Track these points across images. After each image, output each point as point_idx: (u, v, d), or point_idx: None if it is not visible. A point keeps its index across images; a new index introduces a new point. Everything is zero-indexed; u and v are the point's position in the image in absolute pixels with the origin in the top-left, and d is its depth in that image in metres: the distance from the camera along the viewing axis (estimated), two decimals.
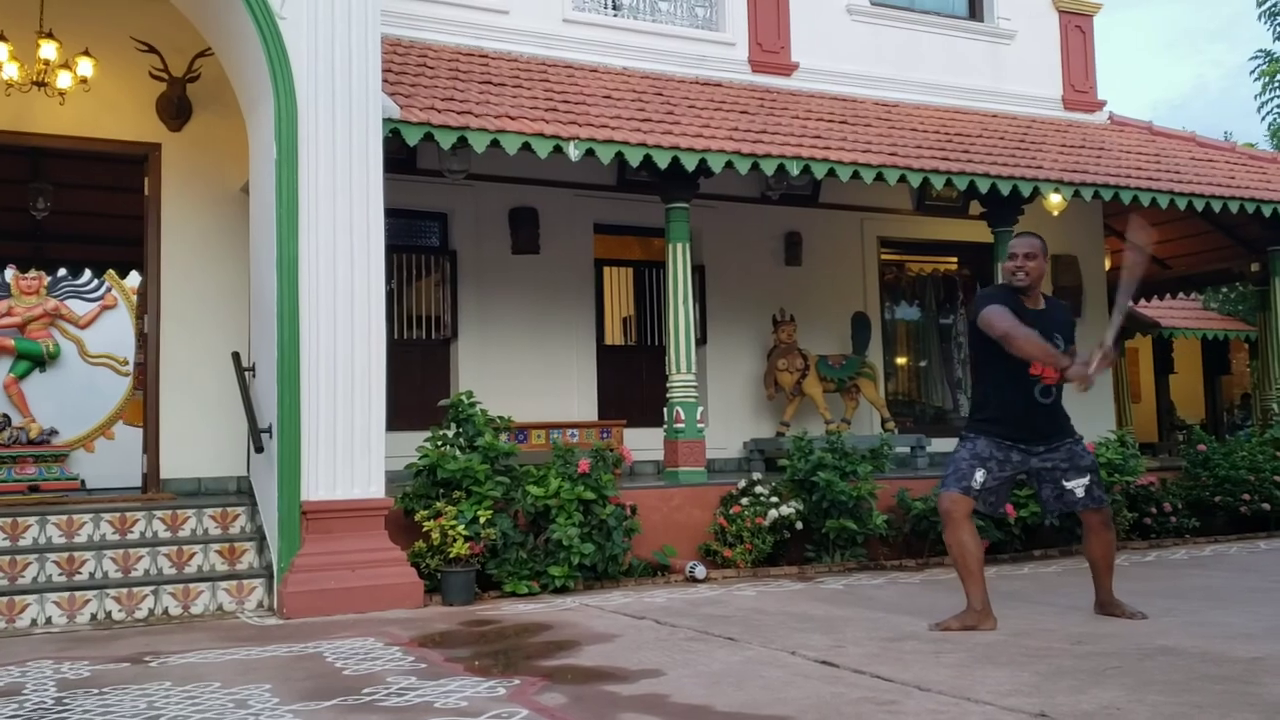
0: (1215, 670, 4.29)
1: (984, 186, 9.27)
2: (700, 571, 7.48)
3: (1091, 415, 11.60)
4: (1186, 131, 12.77)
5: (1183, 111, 56.44)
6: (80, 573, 6.66)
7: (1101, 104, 12.55)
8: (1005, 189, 9.34)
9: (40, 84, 8.18)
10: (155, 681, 4.61)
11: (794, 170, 8.60)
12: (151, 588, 6.58)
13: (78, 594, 6.42)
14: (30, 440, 13.57)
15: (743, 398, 10.94)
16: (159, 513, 7.19)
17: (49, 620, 6.30)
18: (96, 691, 4.44)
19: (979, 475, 5.50)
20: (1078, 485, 5.61)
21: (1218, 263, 13.80)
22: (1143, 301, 15.84)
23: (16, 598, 6.30)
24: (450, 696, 4.17)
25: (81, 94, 8.33)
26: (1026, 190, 9.47)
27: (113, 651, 5.40)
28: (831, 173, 8.71)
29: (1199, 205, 10.22)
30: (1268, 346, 11.87)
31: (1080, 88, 12.42)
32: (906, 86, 11.37)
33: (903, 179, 8.99)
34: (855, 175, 8.78)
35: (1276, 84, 20.51)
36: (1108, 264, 13.39)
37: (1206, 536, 9.50)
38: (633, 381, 10.51)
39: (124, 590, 6.52)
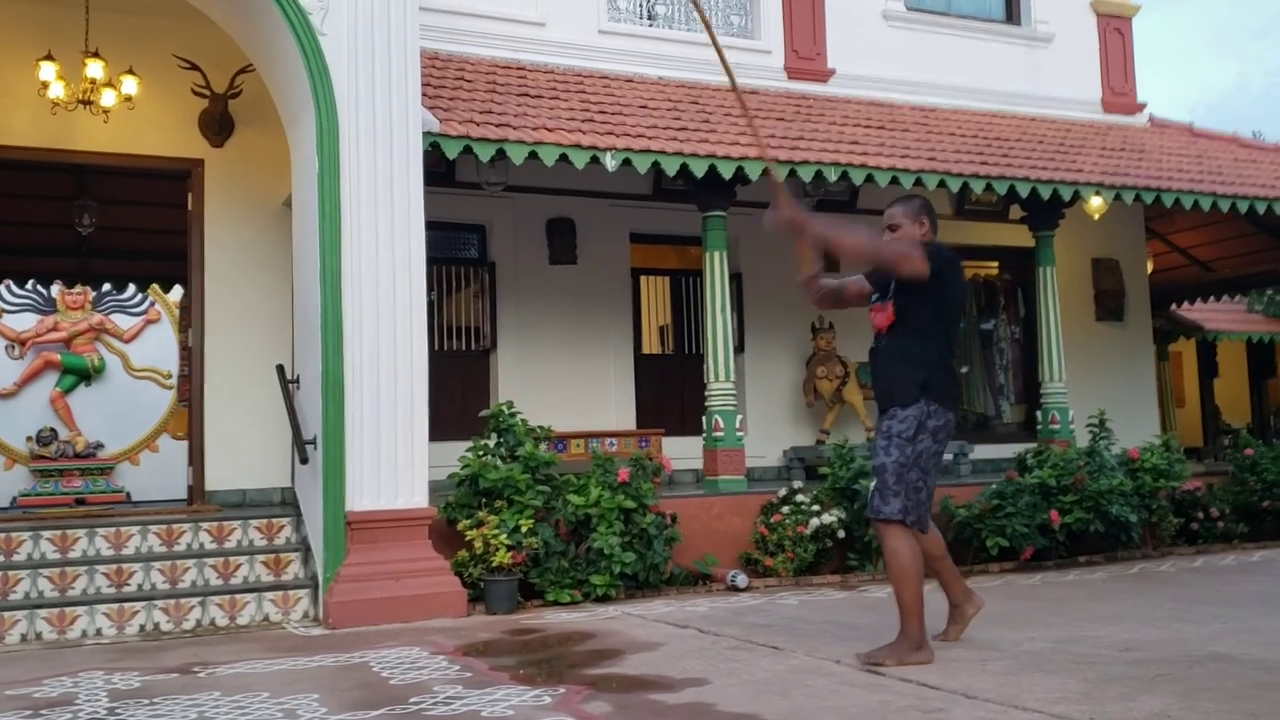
0: (1269, 678, 4.23)
1: (1024, 191, 9.21)
2: (742, 580, 7.46)
3: (1135, 420, 11.50)
4: (1228, 132, 12.60)
5: (1222, 111, 55.79)
6: (129, 584, 6.75)
7: (1141, 106, 12.43)
8: (1045, 193, 9.27)
9: (85, 102, 8.32)
10: (205, 692, 4.67)
11: (831, 176, 8.59)
12: (198, 599, 6.65)
13: (126, 605, 6.50)
14: (77, 454, 13.70)
15: (782, 406, 10.90)
16: (205, 524, 7.27)
17: (99, 631, 6.39)
18: (148, 701, 4.50)
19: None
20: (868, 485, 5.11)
21: (1262, 265, 13.61)
22: (1185, 305, 15.66)
23: (67, 609, 6.40)
24: (497, 705, 4.18)
25: (126, 111, 8.47)
26: (1067, 194, 9.40)
27: (162, 662, 5.47)
28: (870, 179, 8.68)
29: (1242, 207, 10.10)
30: None
31: (1120, 90, 12.30)
32: (943, 91, 11.32)
33: (941, 184, 8.95)
34: (894, 180, 8.75)
35: None
36: (1150, 267, 13.25)
37: (1255, 542, 9.37)
38: (671, 390, 10.51)
39: (171, 601, 6.59)
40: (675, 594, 7.33)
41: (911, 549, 4.76)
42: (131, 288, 14.15)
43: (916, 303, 4.86)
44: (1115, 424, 9.37)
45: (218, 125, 8.84)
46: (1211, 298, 15.37)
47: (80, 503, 12.53)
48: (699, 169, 8.09)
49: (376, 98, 7.00)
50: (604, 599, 6.97)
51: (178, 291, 12.37)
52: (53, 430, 13.87)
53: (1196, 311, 16.40)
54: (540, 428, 7.69)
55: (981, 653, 4.91)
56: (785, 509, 7.96)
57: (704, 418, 8.70)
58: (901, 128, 10.12)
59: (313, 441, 6.97)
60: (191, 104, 8.82)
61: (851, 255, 5.21)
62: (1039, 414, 10.03)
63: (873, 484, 4.87)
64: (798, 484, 8.33)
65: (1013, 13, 12.06)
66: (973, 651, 4.94)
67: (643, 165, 7.94)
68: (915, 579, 4.73)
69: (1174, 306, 15.53)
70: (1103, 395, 11.07)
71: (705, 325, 8.78)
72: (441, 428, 7.91)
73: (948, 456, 10.23)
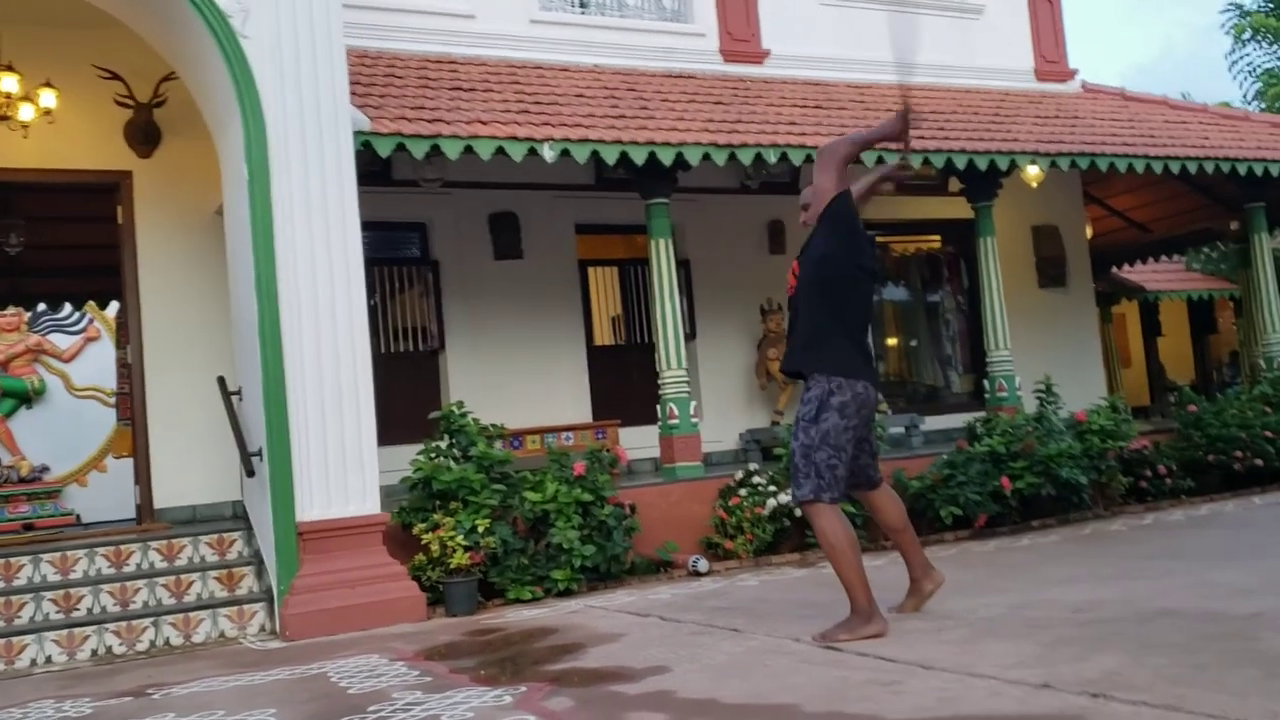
0: (1215, 629, 4.30)
1: (961, 162, 9.28)
2: (703, 565, 7.46)
3: (1082, 383, 11.65)
4: (1158, 95, 12.78)
5: (1152, 74, 56.60)
6: (78, 609, 6.62)
7: (1073, 73, 12.56)
8: (983, 164, 9.34)
9: (2, 118, 8.11)
10: (158, 714, 4.59)
11: (771, 159, 8.59)
12: (151, 619, 6.53)
13: (76, 631, 6.37)
14: (21, 478, 13.45)
15: (736, 389, 10.92)
16: (154, 543, 7.14)
17: (49, 659, 6.26)
18: None
19: None
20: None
21: (1198, 223, 13.85)
22: (1126, 266, 15.88)
23: (14, 639, 6.25)
24: (457, 708, 4.14)
25: (46, 125, 8.28)
26: (1004, 164, 9.48)
27: (115, 686, 5.37)
28: (809, 159, 8.68)
29: (1175, 168, 10.23)
30: (1252, 303, 11.90)
31: (1051, 58, 12.42)
32: (879, 68, 11.27)
33: (880, 160, 8.96)
34: None
35: (1245, 40, 20.56)
36: (1089, 232, 13.41)
37: (1202, 496, 9.53)
38: (625, 380, 10.48)
39: (123, 624, 6.47)
40: (637, 583, 7.31)
41: (836, 526, 4.76)
42: (68, 306, 13.92)
43: (812, 264, 4.88)
44: (1063, 388, 9.48)
45: (144, 135, 8.67)
46: (1151, 259, 15.60)
47: (29, 528, 12.28)
48: (639, 156, 8.05)
49: (304, 99, 6.89)
50: (566, 593, 6.94)
51: (115, 307, 12.16)
52: None
53: (1137, 273, 16.66)
54: (493, 426, 7.63)
55: (937, 622, 4.94)
56: (743, 491, 7.98)
57: (659, 406, 8.69)
58: (838, 106, 10.15)
59: (258, 453, 6.86)
60: (116, 115, 8.64)
61: (833, 144, 5.07)
62: (986, 383, 10.12)
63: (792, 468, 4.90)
64: (754, 466, 8.35)
65: None
66: (929, 622, 4.97)
67: (581, 155, 7.89)
68: (849, 554, 4.74)
69: (1115, 269, 15.76)
70: (1049, 360, 11.18)
71: (655, 313, 8.76)
72: (393, 431, 7.83)
73: (899, 429, 10.32)
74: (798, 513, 7.95)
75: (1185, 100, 13.61)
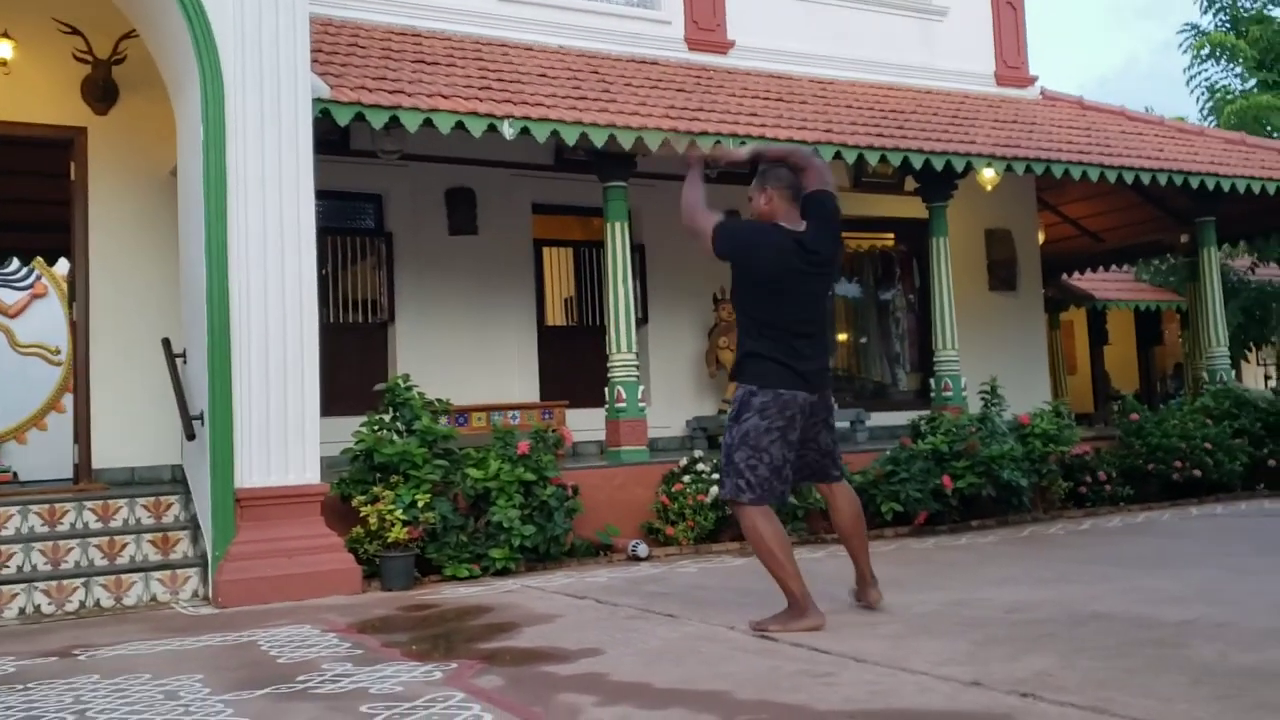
0: (1146, 634, 4.37)
1: (918, 162, 9.34)
2: (643, 550, 7.49)
3: (1028, 387, 11.80)
4: (1116, 106, 12.94)
5: (1115, 86, 57.37)
6: (7, 566, 6.51)
7: (1033, 80, 12.68)
8: (939, 164, 9.41)
9: None
10: (83, 675, 4.52)
11: (731, 147, 8.58)
12: (83, 580, 6.45)
13: (4, 588, 6.27)
14: None
15: (685, 376, 10.94)
16: (89, 503, 7.04)
17: None
18: (21, 687, 4.35)
19: None
20: None
21: (1149, 235, 14.05)
22: (1076, 274, 16.09)
23: None
24: (386, 682, 4.13)
25: (2, 76, 8.10)
26: (960, 165, 9.56)
27: (41, 646, 5.29)
28: None
29: (1129, 178, 10.38)
30: (1198, 316, 12.10)
31: (1012, 64, 12.53)
32: (842, 64, 11.41)
33: (838, 155, 9.01)
34: None
35: (1203, 57, 20.87)
36: (1041, 237, 13.57)
37: (1140, 504, 9.69)
38: (575, 362, 10.46)
39: (53, 583, 6.38)
40: (576, 565, 7.32)
41: (758, 526, 4.81)
42: (15, 261, 13.63)
43: (733, 283, 5.09)
44: (1008, 391, 9.60)
45: (101, 92, 8.50)
46: (1101, 267, 15.83)
47: None
48: (599, 138, 8.03)
49: (264, 64, 6.79)
50: (503, 573, 6.93)
51: (64, 265, 11.93)
52: None
53: (1087, 281, 16.88)
54: (439, 401, 7.59)
55: (872, 616, 5.00)
56: (686, 478, 8.00)
57: (607, 389, 8.69)
58: (800, 99, 10.18)
59: (199, 417, 6.78)
60: (73, 70, 8.46)
61: (683, 211, 5.20)
62: (933, 382, 10.22)
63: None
64: (699, 453, 8.37)
65: None
66: (864, 615, 5.03)
67: (541, 134, 7.85)
68: (775, 552, 4.78)
69: (1065, 276, 15.96)
70: (996, 363, 11.31)
71: (607, 297, 8.74)
72: (338, 402, 7.78)
73: (844, 424, 10.39)
74: None
75: (1143, 113, 13.78)
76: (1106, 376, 18.67)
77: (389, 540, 6.66)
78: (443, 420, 7.53)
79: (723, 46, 10.91)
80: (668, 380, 10.78)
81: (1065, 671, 3.80)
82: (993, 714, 3.34)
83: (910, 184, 10.62)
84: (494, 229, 10.12)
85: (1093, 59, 73.29)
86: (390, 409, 7.31)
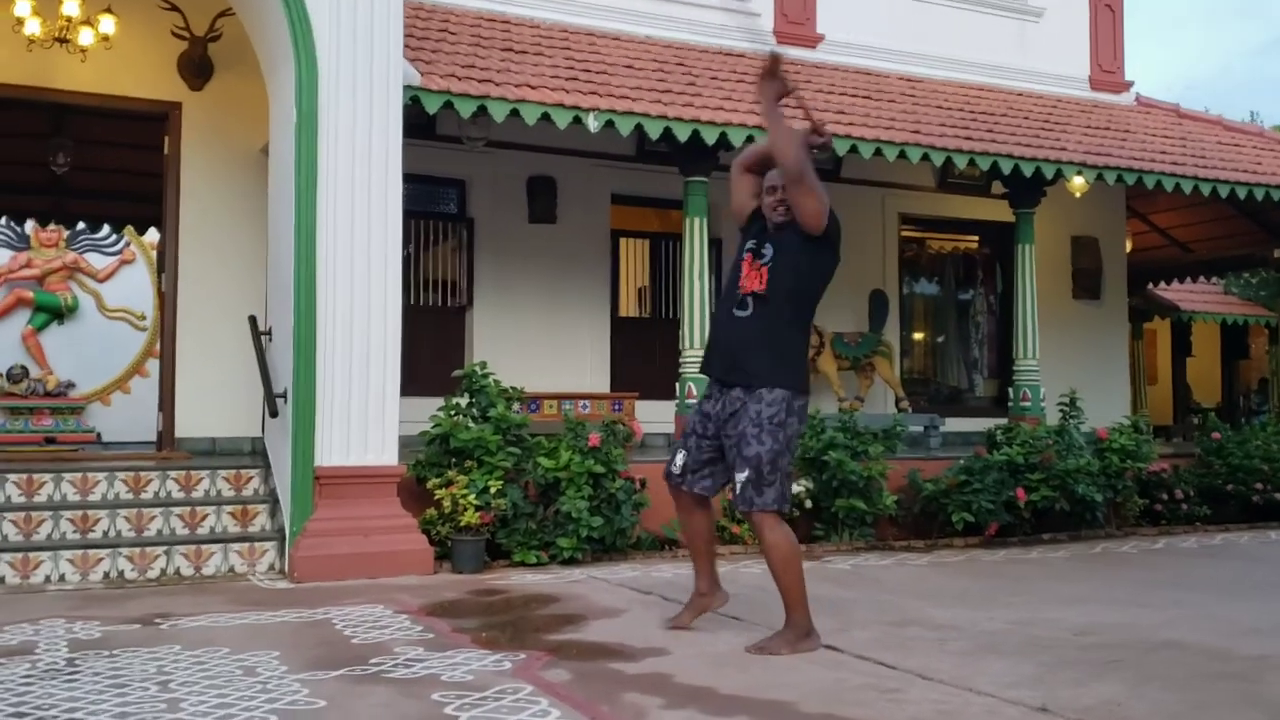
0: (1220, 667, 4.30)
1: (1006, 167, 9.20)
2: None
3: (1107, 398, 11.59)
4: (1214, 115, 12.61)
5: (1206, 90, 55.82)
6: (94, 531, 6.73)
7: (1129, 85, 12.40)
8: (1028, 170, 9.26)
9: (62, 40, 8.16)
10: (165, 645, 4.67)
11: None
12: (164, 548, 6.64)
13: (91, 552, 6.48)
14: (48, 392, 13.68)
15: None
16: (173, 473, 7.24)
17: (62, 577, 6.37)
18: (108, 653, 4.50)
19: (679, 456, 4.89)
20: (735, 477, 4.66)
21: (1240, 248, 13.69)
22: (1162, 284, 15.74)
23: (31, 554, 6.37)
24: (457, 669, 4.20)
25: (103, 51, 8.32)
26: (1049, 172, 9.39)
27: (125, 612, 5.47)
28: (854, 149, 8.64)
29: (1223, 192, 10.13)
30: None
31: (1108, 68, 12.27)
32: (932, 62, 11.26)
33: (925, 158, 8.92)
34: (878, 153, 8.72)
35: None
36: (1129, 246, 13.29)
37: (1218, 525, 9.48)
38: (647, 353, 10.50)
39: (137, 550, 6.58)
40: (641, 559, 7.36)
41: (791, 536, 4.68)
42: (106, 228, 14.03)
43: (796, 274, 4.62)
44: (1087, 402, 9.44)
45: (197, 68, 8.71)
46: (1189, 278, 15.45)
47: (50, 441, 12.49)
48: (682, 134, 8.04)
49: (358, 49, 6.89)
50: (570, 561, 6.99)
51: (154, 234, 12.24)
52: (24, 368, 13.82)
53: (1173, 292, 16.50)
54: (513, 389, 7.67)
55: (940, 632, 4.97)
56: None
57: (678, 384, 8.71)
58: (888, 98, 10.07)
59: (283, 395, 6.93)
60: (171, 46, 8.68)
61: (781, 159, 4.61)
62: (1010, 390, 10.09)
63: (742, 475, 4.56)
64: None
65: None
66: (932, 630, 5.00)
67: (625, 127, 7.88)
68: (800, 565, 4.65)
69: (1151, 286, 15.62)
70: (1076, 372, 11.14)
71: (683, 291, 8.75)
72: (415, 383, 7.89)
73: (918, 429, 10.30)
74: (808, 504, 8.00)
75: (1241, 123, 13.40)
76: (1188, 389, 18.26)
77: (461, 524, 6.76)
78: (515, 407, 7.61)
79: (812, 40, 10.83)
80: None
81: (1134, 702, 3.76)
82: None
83: (997, 187, 10.46)
84: (573, 218, 10.19)
85: (1183, 59, 71.30)
86: (467, 394, 7.41)
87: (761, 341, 4.61)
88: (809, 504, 8.00)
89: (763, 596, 5.93)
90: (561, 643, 4.74)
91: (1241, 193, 10.20)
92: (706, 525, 5.01)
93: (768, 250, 4.70)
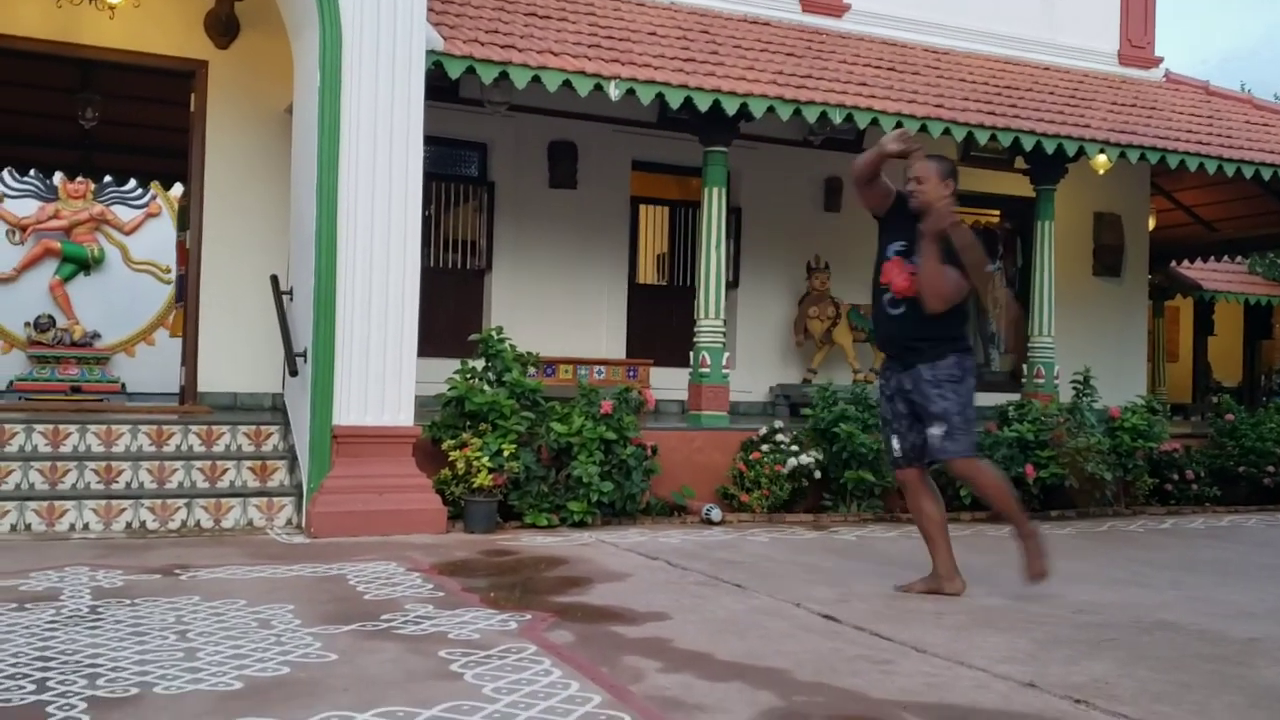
0: (1210, 649, 4.37)
1: (1028, 144, 9.18)
2: (716, 514, 7.61)
3: (1123, 376, 11.61)
4: (1243, 93, 12.49)
5: (1249, 62, 54.89)
6: (117, 482, 6.89)
7: (1158, 61, 12.29)
8: (1050, 147, 9.24)
9: None
10: (185, 595, 4.82)
11: (837, 118, 8.57)
12: (185, 500, 6.80)
13: (114, 502, 6.65)
14: (74, 342, 13.89)
15: (771, 342, 10.99)
16: (195, 427, 7.39)
17: (86, 526, 6.55)
18: (129, 602, 4.65)
19: (893, 441, 5.47)
20: (930, 433, 5.28)
21: (1265, 228, 13.62)
22: (1185, 263, 15.67)
23: (56, 503, 6.54)
24: (464, 628, 4.33)
25: (131, 8, 8.39)
26: (1072, 149, 9.37)
27: (146, 561, 5.63)
28: (875, 122, 8.65)
29: (1248, 172, 10.06)
30: None
31: (1137, 43, 12.15)
32: (958, 33, 11.19)
33: (946, 132, 8.91)
34: (899, 126, 8.69)
35: None
36: (1152, 224, 13.23)
37: (1227, 506, 9.52)
38: (663, 320, 10.58)
39: (158, 501, 6.74)
40: (650, 523, 7.49)
41: (995, 472, 5.62)
42: (132, 181, 14.17)
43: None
44: (1103, 379, 9.48)
45: (223, 27, 8.78)
46: (1212, 257, 15.38)
47: (76, 390, 12.71)
48: (703, 103, 8.06)
49: (381, 13, 6.94)
50: (580, 525, 7.12)
51: (179, 189, 12.38)
52: (51, 317, 14.03)
53: (1196, 270, 16.42)
54: (528, 354, 7.77)
55: (938, 604, 5.07)
56: (765, 447, 8.09)
57: (692, 353, 8.78)
58: (912, 70, 10.04)
59: (303, 354, 7.06)
60: (198, 4, 8.74)
61: (972, 265, 5.30)
62: (1025, 367, 10.12)
63: (938, 430, 5.19)
64: (778, 423, 8.43)
65: None
66: (930, 603, 5.10)
67: (646, 96, 7.91)
68: (1011, 492, 5.50)
69: (1174, 264, 15.55)
70: (1093, 350, 11.16)
71: (700, 260, 8.81)
72: (432, 344, 8.00)
73: None
74: (817, 475, 8.08)
75: (1271, 102, 13.27)
76: (1209, 368, 18.21)
77: (474, 485, 6.89)
78: (531, 371, 7.72)
79: (838, 9, 10.79)
80: (753, 345, 10.84)
81: (1122, 680, 3.84)
82: (1044, 718, 3.41)
83: (1020, 161, 10.43)
84: (593, 184, 10.24)
85: (1224, 32, 70.06)
86: (483, 358, 7.52)
87: (920, 334, 5.27)
88: (818, 475, 8.09)
89: (768, 566, 6.06)
90: (567, 605, 4.86)
91: (1266, 174, 10.14)
92: (937, 511, 5.43)
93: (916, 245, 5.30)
